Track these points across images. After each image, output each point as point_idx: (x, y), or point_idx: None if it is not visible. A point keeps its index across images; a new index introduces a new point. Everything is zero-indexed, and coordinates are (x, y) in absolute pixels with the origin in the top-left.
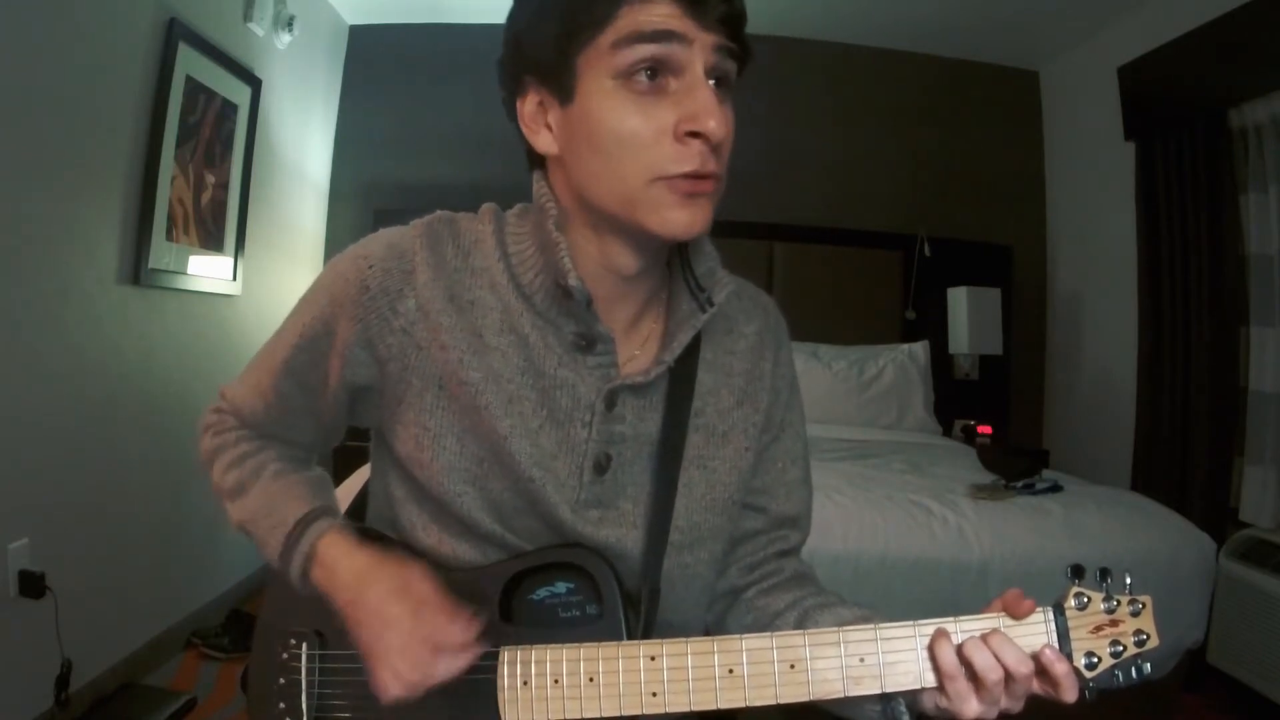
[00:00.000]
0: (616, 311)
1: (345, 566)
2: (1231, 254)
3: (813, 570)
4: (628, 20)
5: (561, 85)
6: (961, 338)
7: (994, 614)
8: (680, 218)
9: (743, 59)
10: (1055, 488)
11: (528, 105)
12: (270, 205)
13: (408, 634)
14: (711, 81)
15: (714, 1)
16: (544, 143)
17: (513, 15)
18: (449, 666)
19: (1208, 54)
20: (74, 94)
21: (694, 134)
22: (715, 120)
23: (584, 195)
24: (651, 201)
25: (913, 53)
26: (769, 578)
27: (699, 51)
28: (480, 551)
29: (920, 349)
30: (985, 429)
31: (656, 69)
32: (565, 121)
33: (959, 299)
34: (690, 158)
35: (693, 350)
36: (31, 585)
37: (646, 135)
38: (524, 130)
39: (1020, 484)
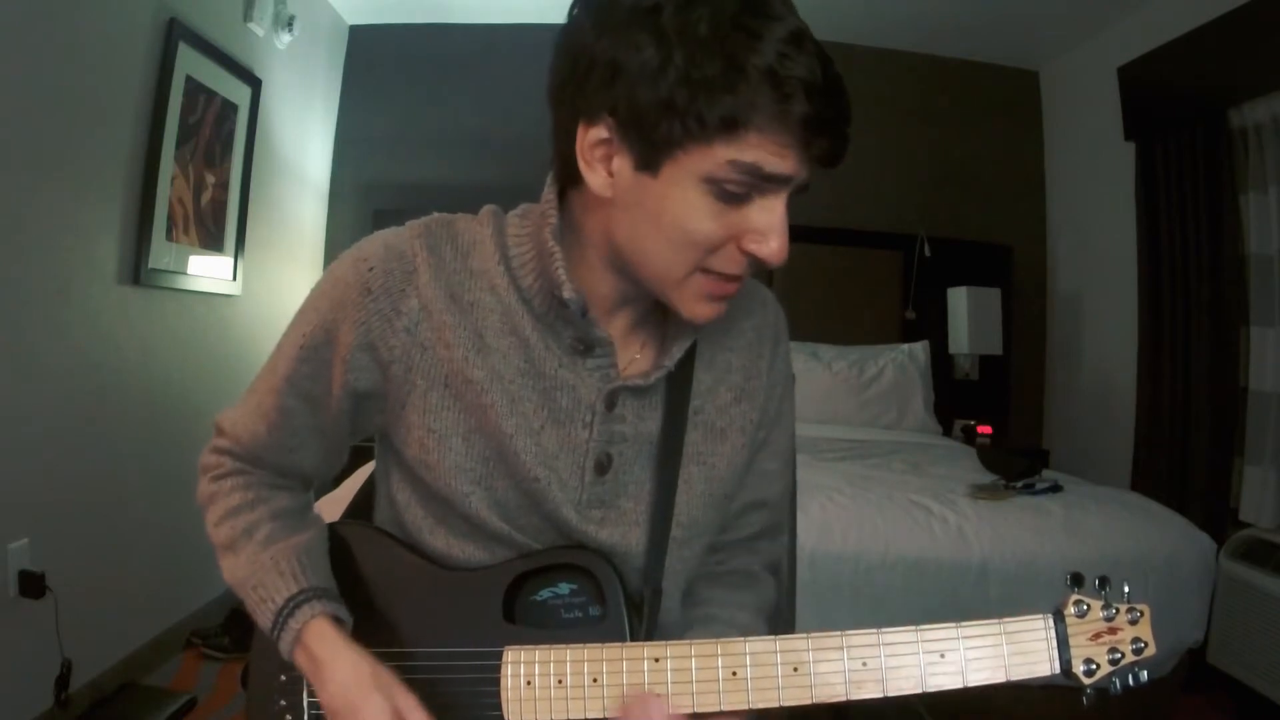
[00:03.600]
0: (616, 317)
1: (332, 672)
2: (1231, 254)
3: (765, 576)
4: (751, 147)
5: (649, 154)
6: (961, 338)
7: (994, 622)
8: (706, 310)
9: None
10: (1055, 488)
11: (591, 134)
12: (270, 205)
13: None
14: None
15: (829, 140)
16: (598, 183)
17: (609, 35)
18: None
19: (1208, 54)
20: (74, 94)
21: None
22: (777, 247)
23: (621, 251)
24: (687, 288)
25: (913, 53)
26: (716, 566)
27: (794, 184)
28: (489, 551)
29: (920, 349)
30: (985, 429)
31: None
32: (636, 185)
33: (959, 299)
34: (738, 264)
35: (691, 349)
36: (31, 585)
37: (714, 241)
38: (578, 157)
39: (1020, 484)
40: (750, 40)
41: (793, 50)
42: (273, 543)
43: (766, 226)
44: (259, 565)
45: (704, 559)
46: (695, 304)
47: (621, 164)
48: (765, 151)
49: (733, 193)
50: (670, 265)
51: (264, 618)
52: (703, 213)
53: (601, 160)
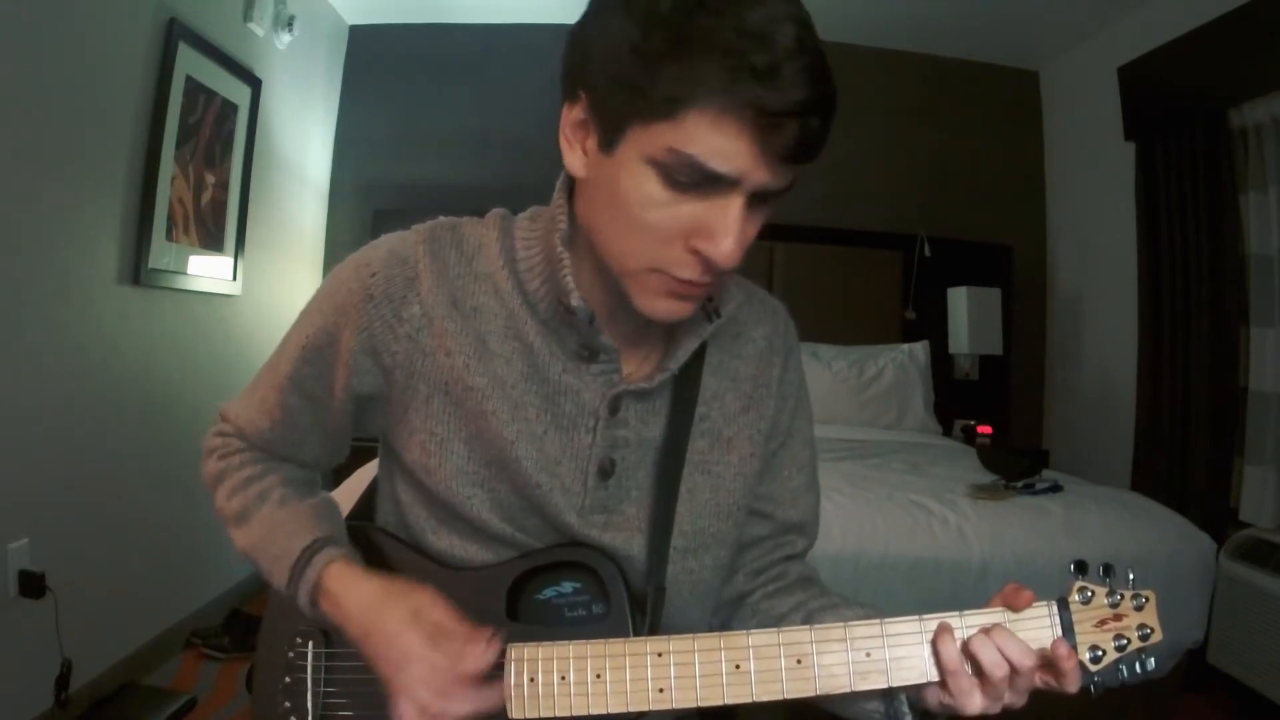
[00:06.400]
0: (622, 321)
1: (353, 599)
2: (1231, 254)
3: (817, 574)
4: (692, 134)
5: (608, 132)
6: (961, 338)
7: (997, 608)
8: (665, 307)
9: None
10: (1055, 488)
11: (572, 115)
12: (270, 205)
13: (428, 665)
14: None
15: (789, 134)
16: (574, 163)
17: (594, 16)
18: (476, 699)
19: (1208, 54)
20: (74, 94)
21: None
22: (728, 250)
23: (589, 235)
24: (644, 283)
25: (913, 53)
26: (774, 582)
27: (749, 185)
28: (492, 552)
29: (920, 349)
30: (985, 429)
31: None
32: (599, 165)
33: (959, 299)
34: (693, 267)
35: (698, 355)
36: (31, 585)
37: (662, 232)
38: (560, 136)
39: (1020, 484)
40: (709, 18)
41: (758, 28)
42: (286, 504)
43: (718, 224)
44: (275, 523)
45: (750, 579)
46: (654, 299)
47: (592, 144)
48: (710, 145)
49: (681, 181)
50: (624, 252)
51: (279, 573)
52: (651, 198)
53: (580, 141)
